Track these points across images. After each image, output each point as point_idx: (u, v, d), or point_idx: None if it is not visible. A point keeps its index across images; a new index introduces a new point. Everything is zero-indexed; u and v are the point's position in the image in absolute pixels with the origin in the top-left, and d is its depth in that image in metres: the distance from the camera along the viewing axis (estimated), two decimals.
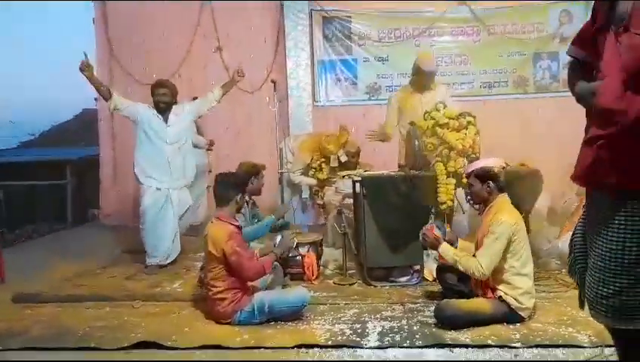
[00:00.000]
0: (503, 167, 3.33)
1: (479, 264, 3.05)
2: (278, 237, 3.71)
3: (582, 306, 1.82)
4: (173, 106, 4.74)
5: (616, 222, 1.61)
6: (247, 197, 3.54)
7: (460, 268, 3.15)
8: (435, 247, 3.28)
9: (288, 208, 4.44)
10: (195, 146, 5.83)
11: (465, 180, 3.92)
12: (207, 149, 6.08)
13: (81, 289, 4.14)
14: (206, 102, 4.95)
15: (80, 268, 4.77)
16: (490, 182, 3.19)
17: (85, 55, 4.41)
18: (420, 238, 3.35)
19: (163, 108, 4.67)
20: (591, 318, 2.95)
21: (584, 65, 1.85)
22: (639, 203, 1.58)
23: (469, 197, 3.48)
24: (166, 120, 4.68)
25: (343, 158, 5.10)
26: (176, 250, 4.80)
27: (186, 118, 4.84)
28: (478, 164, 3.34)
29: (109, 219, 7.19)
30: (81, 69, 4.37)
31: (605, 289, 1.64)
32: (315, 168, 5.29)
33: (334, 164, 5.07)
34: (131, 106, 4.67)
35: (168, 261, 4.72)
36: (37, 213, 7.85)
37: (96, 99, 7.36)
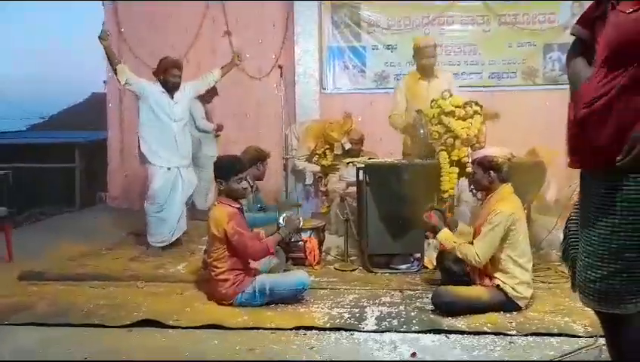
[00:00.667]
0: (509, 158, 3.34)
1: (475, 252, 3.08)
2: (283, 215, 3.71)
3: (574, 289, 1.86)
4: None
5: (606, 207, 1.63)
6: (250, 182, 3.56)
7: (458, 254, 3.18)
8: (435, 233, 3.31)
9: (295, 202, 4.45)
10: (203, 131, 5.89)
11: (469, 169, 3.94)
12: (216, 135, 6.10)
13: (85, 269, 4.21)
14: (205, 83, 5.02)
15: (85, 249, 4.85)
16: (492, 171, 3.20)
17: (103, 24, 4.48)
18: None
19: (173, 88, 4.69)
20: (587, 309, 3.00)
21: (586, 44, 1.85)
22: (629, 188, 1.59)
23: (471, 186, 3.49)
24: (172, 97, 4.71)
25: (347, 146, 5.12)
26: (180, 229, 4.85)
27: (187, 97, 4.87)
28: (482, 153, 3.35)
29: (116, 201, 7.27)
30: (101, 38, 4.43)
31: (593, 274, 1.66)
32: (318, 155, 5.31)
33: (338, 151, 5.09)
34: (141, 82, 4.67)
35: (170, 241, 4.76)
36: (46, 195, 7.96)
37: (105, 82, 7.45)
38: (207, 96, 5.88)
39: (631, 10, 1.57)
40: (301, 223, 3.77)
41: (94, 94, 14.67)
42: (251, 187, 4.09)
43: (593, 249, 1.66)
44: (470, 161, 3.37)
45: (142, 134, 4.67)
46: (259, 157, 4.29)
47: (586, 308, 3.01)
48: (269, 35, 6.91)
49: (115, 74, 4.63)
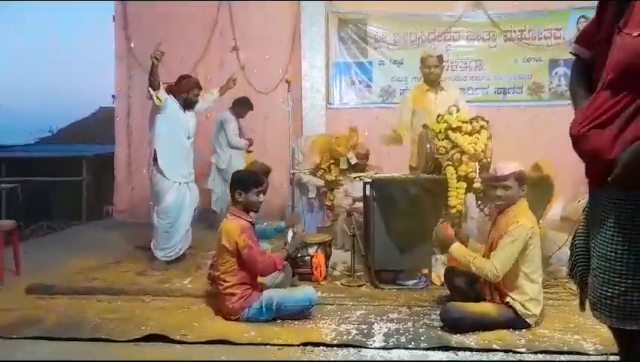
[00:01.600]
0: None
1: (493, 265, 3.02)
2: (290, 234, 3.74)
3: (582, 308, 1.82)
4: None
5: (621, 222, 1.61)
6: (261, 197, 3.56)
7: (473, 268, 3.08)
8: (448, 246, 3.21)
9: (299, 217, 4.47)
10: (235, 147, 5.92)
11: (477, 185, 3.93)
12: (248, 150, 6.08)
13: (93, 283, 4.23)
14: (205, 102, 5.09)
15: (93, 263, 4.86)
16: (525, 185, 3.20)
17: (159, 44, 4.54)
18: (433, 236, 3.34)
19: (190, 107, 4.79)
20: (597, 326, 3.00)
21: (586, 62, 1.86)
22: None
23: (479, 202, 3.48)
24: (186, 113, 4.79)
25: (353, 160, 5.14)
26: (186, 244, 4.88)
27: (195, 115, 4.94)
28: (512, 167, 3.22)
29: (123, 215, 7.30)
30: (155, 57, 4.46)
31: (610, 290, 1.63)
32: (323, 169, 5.33)
33: (344, 165, 5.11)
34: (167, 99, 4.69)
35: (179, 254, 4.79)
36: (53, 208, 8.01)
37: (113, 96, 7.52)
38: (241, 111, 5.93)
39: (637, 33, 1.58)
40: (306, 238, 3.76)
41: (102, 108, 14.83)
42: None
43: (609, 265, 1.64)
44: (499, 176, 3.24)
45: (159, 148, 4.64)
46: (264, 172, 4.33)
47: (596, 326, 3.04)
48: (277, 51, 6.98)
49: (153, 95, 4.56)
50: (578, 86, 1.87)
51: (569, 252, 1.99)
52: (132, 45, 7.14)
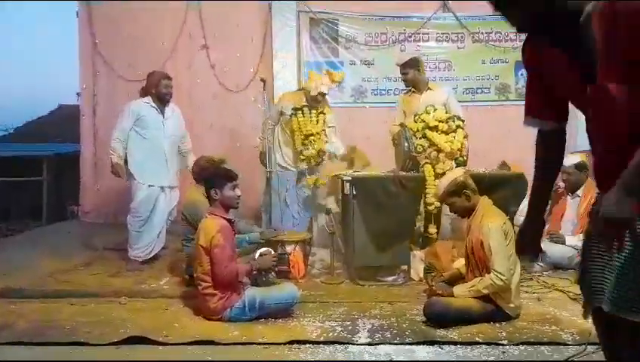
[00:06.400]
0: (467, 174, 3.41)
1: (496, 275, 3.07)
2: (257, 253, 3.65)
3: (586, 317, 1.69)
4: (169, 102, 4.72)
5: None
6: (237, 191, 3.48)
7: (484, 291, 3.13)
8: (451, 294, 3.25)
9: (276, 234, 4.28)
10: None
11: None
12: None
13: (64, 286, 4.08)
14: (184, 135, 4.91)
15: (62, 265, 4.70)
16: (465, 190, 3.28)
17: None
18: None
19: (167, 100, 4.65)
20: (574, 317, 3.10)
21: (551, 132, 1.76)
22: None
23: (453, 211, 3.54)
24: (162, 113, 4.64)
25: (324, 89, 4.85)
26: (159, 244, 4.78)
27: (178, 116, 4.82)
28: (442, 185, 3.38)
29: (89, 216, 7.07)
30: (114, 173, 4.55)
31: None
32: (294, 112, 4.82)
33: (314, 92, 4.82)
34: (128, 119, 4.56)
35: (150, 255, 4.69)
36: (12, 209, 7.70)
37: (78, 94, 7.29)
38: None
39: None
40: (274, 269, 3.58)
41: (62, 106, 14.37)
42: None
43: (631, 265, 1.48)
44: (440, 198, 3.40)
45: (129, 150, 4.58)
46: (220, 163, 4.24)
47: (572, 317, 3.16)
48: (248, 50, 6.90)
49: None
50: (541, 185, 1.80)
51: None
52: (97, 42, 6.93)
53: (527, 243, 1.89)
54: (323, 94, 4.79)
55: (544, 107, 1.74)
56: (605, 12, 1.42)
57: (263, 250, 3.59)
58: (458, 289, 3.26)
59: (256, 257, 3.52)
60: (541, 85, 1.70)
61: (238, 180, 3.45)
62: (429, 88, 4.76)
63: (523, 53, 1.74)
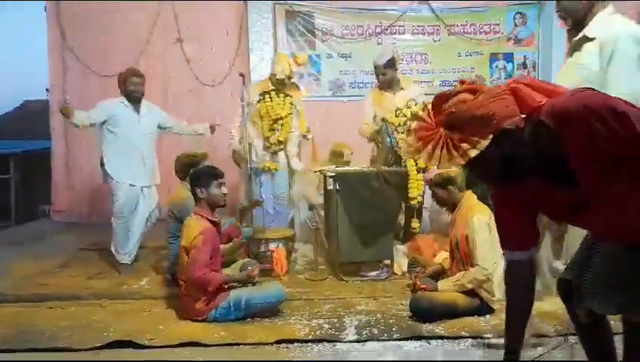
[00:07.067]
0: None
1: (479, 270, 3.13)
2: (241, 263, 3.60)
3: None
4: (144, 100, 4.59)
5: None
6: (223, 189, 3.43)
7: (469, 286, 3.18)
8: (436, 289, 3.28)
9: (256, 264, 4.10)
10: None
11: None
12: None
13: (42, 289, 3.97)
14: (174, 125, 4.86)
15: (38, 267, 4.57)
16: (450, 186, 3.32)
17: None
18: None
19: (137, 99, 4.51)
20: (554, 309, 3.16)
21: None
22: None
23: (435, 200, 3.57)
24: (137, 111, 4.53)
25: (288, 71, 4.80)
26: (136, 247, 4.68)
27: (157, 116, 4.69)
28: (432, 173, 3.43)
29: (62, 215, 6.91)
30: (62, 112, 4.30)
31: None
32: (261, 97, 4.79)
33: (281, 76, 4.68)
34: (98, 111, 4.41)
35: (132, 258, 4.59)
36: None
37: (47, 90, 7.07)
38: None
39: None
40: (255, 278, 3.42)
41: (27, 102, 13.93)
42: None
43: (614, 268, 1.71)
44: (426, 182, 3.43)
45: (105, 149, 4.46)
46: (203, 158, 4.18)
47: (553, 308, 3.21)
48: (223, 43, 6.81)
49: (74, 123, 4.35)
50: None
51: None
52: (66, 37, 6.73)
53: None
54: (289, 77, 4.79)
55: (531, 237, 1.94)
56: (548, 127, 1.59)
57: (247, 262, 3.57)
58: (443, 284, 3.29)
59: (240, 268, 3.52)
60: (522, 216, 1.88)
61: (224, 178, 3.39)
62: (401, 88, 4.63)
63: (496, 200, 1.94)
